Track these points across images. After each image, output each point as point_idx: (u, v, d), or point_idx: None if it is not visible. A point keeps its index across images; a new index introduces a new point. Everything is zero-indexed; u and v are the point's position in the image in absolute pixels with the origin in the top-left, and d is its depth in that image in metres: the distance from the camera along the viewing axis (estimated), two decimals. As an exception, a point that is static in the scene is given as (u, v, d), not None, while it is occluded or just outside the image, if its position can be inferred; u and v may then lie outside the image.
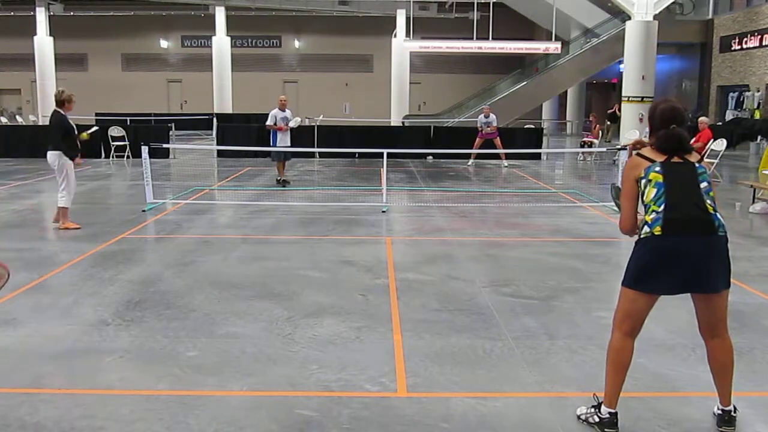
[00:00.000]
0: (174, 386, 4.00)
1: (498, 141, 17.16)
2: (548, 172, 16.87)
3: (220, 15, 32.28)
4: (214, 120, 26.42)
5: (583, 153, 19.31)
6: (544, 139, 21.15)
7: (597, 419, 3.45)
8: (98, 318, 5.19)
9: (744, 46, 24.75)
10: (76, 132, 8.82)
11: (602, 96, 36.00)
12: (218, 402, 3.80)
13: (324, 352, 4.51)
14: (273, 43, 38.72)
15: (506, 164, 17.20)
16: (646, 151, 3.38)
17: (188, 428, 3.48)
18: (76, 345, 4.62)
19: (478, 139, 17.24)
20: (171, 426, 3.50)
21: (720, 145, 14.12)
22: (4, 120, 31.02)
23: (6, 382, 4.01)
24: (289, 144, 13.05)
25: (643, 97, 19.82)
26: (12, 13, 34.50)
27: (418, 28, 30.23)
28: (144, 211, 9.99)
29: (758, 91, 23.56)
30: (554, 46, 25.11)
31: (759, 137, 20.83)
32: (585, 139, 20.57)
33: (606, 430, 3.41)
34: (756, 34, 23.97)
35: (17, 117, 34.87)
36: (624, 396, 3.45)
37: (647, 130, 3.57)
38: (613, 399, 3.41)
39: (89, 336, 4.81)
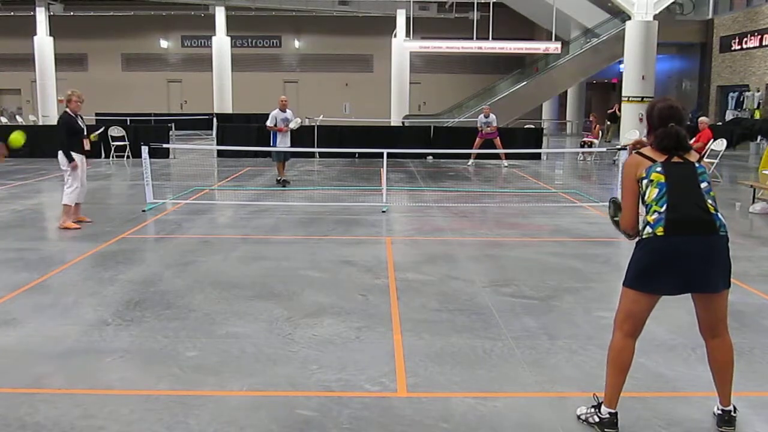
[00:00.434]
0: (174, 386, 4.00)
1: (498, 141, 17.16)
2: (548, 172, 16.87)
3: (220, 15, 32.29)
4: (214, 120, 26.42)
5: (583, 153, 19.31)
6: (544, 139, 21.15)
7: (597, 419, 3.45)
8: (98, 318, 5.19)
9: (744, 46, 24.76)
10: (84, 133, 8.85)
11: (602, 96, 36.00)
12: (218, 402, 3.80)
13: (324, 352, 4.51)
14: (273, 43, 38.73)
15: (506, 164, 17.20)
16: (647, 151, 3.38)
17: (188, 428, 3.48)
18: (76, 345, 4.62)
19: (478, 139, 17.24)
20: (171, 426, 3.50)
21: (720, 145, 14.12)
22: (4, 120, 31.02)
23: (6, 382, 4.01)
24: (289, 144, 13.04)
25: (643, 97, 19.82)
26: (12, 13, 34.51)
27: (418, 28, 30.24)
28: (144, 211, 9.99)
29: (758, 91, 23.56)
30: (554, 46, 25.11)
31: (759, 137, 20.82)
32: (585, 139, 20.57)
33: (606, 430, 3.41)
34: (756, 34, 23.97)
35: (17, 117, 34.88)
36: (624, 396, 3.45)
37: (647, 129, 3.57)
38: (614, 399, 3.41)
39: (89, 336, 4.81)
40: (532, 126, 22.71)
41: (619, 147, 12.99)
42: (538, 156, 19.12)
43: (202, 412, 3.66)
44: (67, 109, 8.76)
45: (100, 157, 17.66)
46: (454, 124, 25.89)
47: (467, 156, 17.79)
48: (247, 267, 6.84)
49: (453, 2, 31.48)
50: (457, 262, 7.13)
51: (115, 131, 17.78)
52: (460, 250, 7.65)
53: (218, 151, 18.38)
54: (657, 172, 3.29)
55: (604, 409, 3.43)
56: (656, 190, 3.28)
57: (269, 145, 13.31)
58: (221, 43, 32.45)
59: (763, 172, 11.44)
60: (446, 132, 20.90)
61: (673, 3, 22.41)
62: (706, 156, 13.92)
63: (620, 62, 23.54)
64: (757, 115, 22.90)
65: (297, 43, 38.71)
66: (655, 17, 19.89)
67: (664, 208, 3.24)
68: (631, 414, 3.59)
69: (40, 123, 27.63)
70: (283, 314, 5.30)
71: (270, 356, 4.44)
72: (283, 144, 12.91)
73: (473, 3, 27.49)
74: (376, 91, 34.83)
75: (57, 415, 3.59)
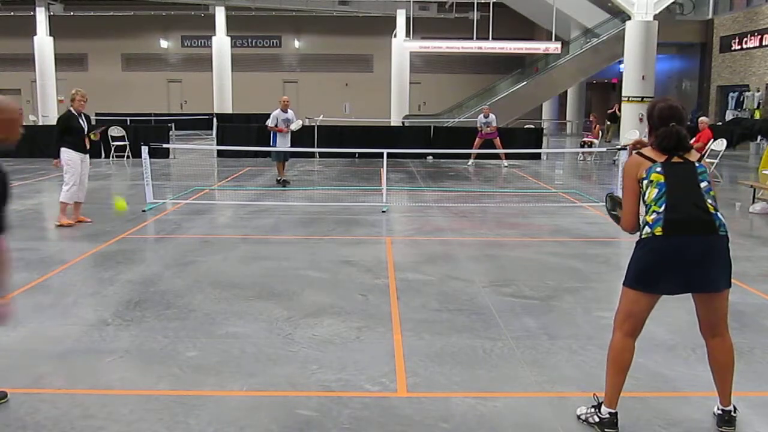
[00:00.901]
0: (174, 386, 4.00)
1: (497, 141, 17.16)
2: (548, 172, 16.87)
3: (220, 15, 32.29)
4: (214, 120, 26.42)
5: (583, 153, 19.31)
6: (544, 139, 21.15)
7: (597, 419, 3.45)
8: (98, 318, 5.19)
9: (744, 46, 24.75)
10: (84, 132, 8.90)
11: (602, 96, 36.00)
12: (218, 402, 3.80)
13: (324, 352, 4.51)
14: (273, 43, 38.72)
15: (506, 164, 17.20)
16: (647, 151, 3.39)
17: (188, 428, 3.48)
18: (76, 345, 4.62)
19: (477, 139, 17.24)
20: (171, 426, 3.50)
21: (720, 145, 14.12)
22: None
23: (6, 382, 4.00)
24: (288, 145, 13.04)
25: (643, 97, 19.82)
26: (12, 13, 34.51)
27: (418, 28, 30.23)
28: (144, 211, 9.99)
29: (758, 91, 23.56)
30: (554, 46, 25.11)
31: (759, 137, 20.82)
32: (585, 139, 20.57)
33: (606, 430, 3.41)
34: (756, 34, 23.97)
35: (17, 117, 34.85)
36: (624, 396, 3.45)
37: (647, 129, 3.58)
38: (614, 399, 3.41)
39: (89, 336, 4.81)
40: (532, 126, 22.70)
41: (619, 147, 12.99)
42: (538, 156, 19.12)
43: (202, 412, 3.66)
44: (71, 108, 8.82)
45: (100, 157, 17.65)
46: (454, 124, 25.89)
47: (467, 156, 17.79)
48: (247, 267, 6.84)
49: (453, 2, 31.47)
50: (457, 262, 7.13)
51: (115, 131, 17.78)
52: (460, 250, 7.65)
53: (218, 151, 18.38)
54: (657, 172, 3.30)
55: (604, 409, 3.43)
56: (655, 191, 3.28)
57: (269, 145, 13.31)
58: (221, 43, 32.45)
59: (763, 172, 11.44)
60: (446, 132, 20.91)
61: (673, 3, 22.42)
62: (706, 156, 13.94)
63: (620, 62, 23.54)
64: (757, 115, 22.90)
65: (297, 43, 38.71)
66: (655, 17, 19.89)
67: (662, 208, 3.25)
68: (631, 414, 3.59)
69: (40, 123, 27.63)
70: (283, 314, 5.30)
71: (270, 356, 4.44)
72: (283, 144, 12.91)
73: (473, 3, 27.48)
74: (376, 91, 34.83)
75: (57, 415, 3.59)
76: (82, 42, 36.85)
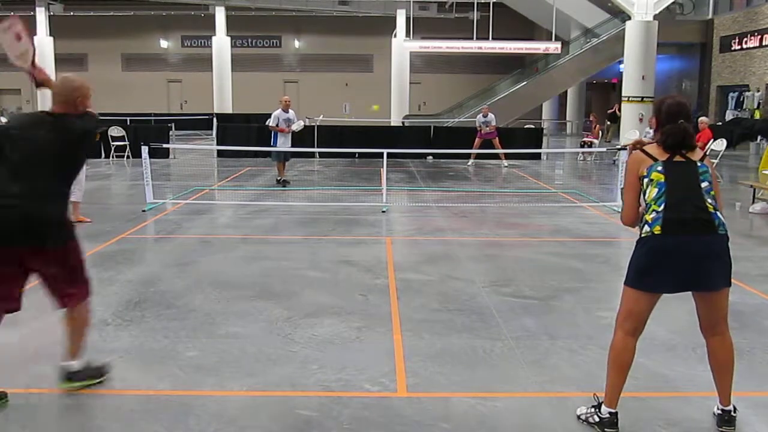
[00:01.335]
0: (174, 386, 4.00)
1: (497, 141, 17.17)
2: (548, 172, 16.87)
3: (220, 15, 32.28)
4: (214, 120, 26.42)
5: (583, 153, 19.31)
6: (544, 139, 21.14)
7: (597, 419, 3.45)
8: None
9: (744, 46, 24.75)
10: None
11: (602, 96, 36.00)
12: (218, 402, 3.80)
13: (324, 352, 4.51)
14: (273, 43, 38.71)
15: (506, 164, 17.19)
16: (650, 148, 3.40)
17: (188, 428, 3.48)
18: (76, 345, 4.61)
19: (477, 139, 17.24)
20: (171, 426, 3.50)
21: (720, 145, 14.11)
22: (4, 120, 31.02)
23: (6, 382, 4.00)
24: (289, 145, 13.03)
25: (643, 97, 19.83)
26: (12, 13, 34.28)
27: (418, 28, 30.23)
28: (144, 211, 9.99)
29: (758, 91, 23.56)
30: (554, 46, 25.11)
31: (759, 137, 20.83)
32: (585, 139, 20.57)
33: (606, 430, 3.41)
34: (756, 34, 23.97)
35: (17, 117, 34.86)
36: (624, 396, 3.45)
37: (647, 129, 3.60)
38: (614, 399, 3.42)
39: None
40: (532, 126, 22.70)
41: (619, 147, 12.99)
42: (538, 156, 19.11)
43: (202, 412, 3.66)
44: None
45: (100, 157, 17.65)
46: (454, 124, 25.89)
47: (467, 156, 17.79)
48: (247, 267, 6.84)
49: (453, 2, 31.47)
50: (457, 262, 7.13)
51: (115, 131, 17.77)
52: (460, 250, 7.65)
53: (218, 151, 18.37)
54: (657, 171, 3.32)
55: (604, 409, 3.43)
56: (656, 190, 3.30)
57: (269, 145, 13.30)
58: (221, 43, 32.45)
59: (763, 172, 11.44)
60: (446, 132, 20.91)
61: (673, 3, 22.42)
62: (706, 156, 13.91)
63: (620, 62, 23.54)
64: (757, 115, 22.90)
65: (297, 43, 38.71)
66: (655, 17, 19.89)
67: (662, 207, 3.27)
68: (631, 414, 3.59)
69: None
70: (283, 314, 5.30)
71: (270, 356, 4.44)
72: (283, 144, 12.89)
73: (473, 3, 27.48)
74: (376, 91, 34.82)
75: (57, 415, 3.59)
76: (82, 42, 36.83)
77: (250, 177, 14.73)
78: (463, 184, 14.16)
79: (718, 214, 3.28)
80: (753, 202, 10.58)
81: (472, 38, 26.47)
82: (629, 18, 20.14)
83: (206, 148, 19.86)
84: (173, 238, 8.25)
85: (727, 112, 24.81)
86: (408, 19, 28.62)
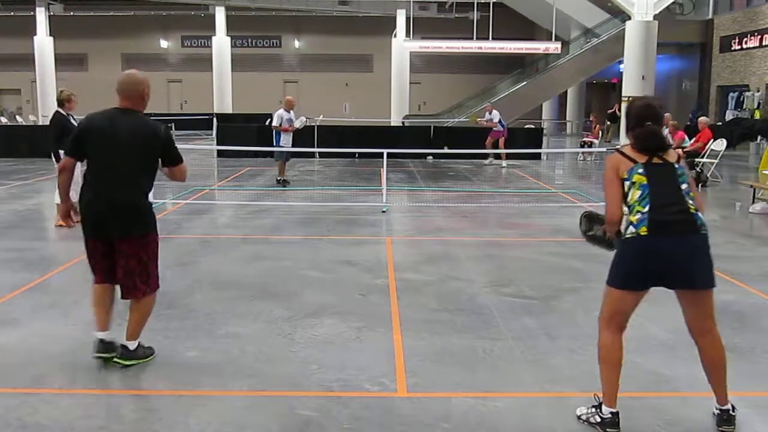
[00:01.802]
0: (174, 386, 4.00)
1: (502, 141, 17.28)
2: (548, 172, 16.88)
3: (220, 15, 32.28)
4: (214, 120, 26.41)
5: (583, 153, 19.31)
6: (544, 139, 21.15)
7: (599, 419, 3.45)
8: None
9: (744, 46, 24.76)
10: None
11: (602, 96, 36.00)
12: (218, 402, 3.80)
13: (324, 352, 4.51)
14: (273, 43, 38.71)
15: (504, 164, 17.20)
16: (628, 150, 3.46)
17: (188, 428, 3.48)
18: (76, 345, 4.61)
19: (489, 138, 17.37)
20: (171, 426, 3.50)
21: (720, 145, 14.10)
22: (4, 120, 31.03)
23: (6, 382, 4.01)
24: (290, 144, 13.00)
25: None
26: (12, 13, 34.50)
27: (418, 28, 30.22)
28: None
29: (758, 91, 23.57)
30: (554, 46, 25.11)
31: (759, 137, 20.83)
32: (585, 139, 20.58)
33: (608, 430, 3.41)
34: (756, 34, 23.98)
35: (17, 117, 34.87)
36: (624, 396, 3.45)
37: (626, 128, 3.60)
38: (612, 398, 3.43)
39: (89, 336, 4.80)
40: (532, 126, 22.70)
41: (618, 147, 12.98)
42: (538, 156, 19.11)
43: (202, 412, 3.66)
44: (60, 110, 8.68)
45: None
46: (454, 124, 25.90)
47: (467, 156, 17.79)
48: (247, 267, 6.84)
49: (453, 2, 31.47)
50: (457, 262, 7.13)
51: (115, 131, 17.73)
52: (460, 250, 7.64)
53: (218, 151, 18.37)
54: (639, 173, 3.37)
55: (605, 409, 3.43)
56: (639, 192, 3.36)
57: (270, 145, 13.28)
58: (221, 43, 32.44)
59: (763, 172, 11.43)
60: (446, 132, 20.91)
61: (673, 3, 22.41)
62: (706, 156, 13.93)
63: (620, 62, 23.54)
64: (757, 115, 22.91)
65: (297, 43, 38.70)
66: (655, 17, 19.89)
67: (647, 208, 3.32)
68: (631, 414, 3.59)
69: (40, 123, 27.62)
70: (283, 314, 5.30)
71: (270, 356, 4.44)
72: (286, 144, 12.85)
73: (473, 3, 27.48)
74: (376, 91, 34.80)
75: (57, 415, 3.59)
76: (82, 42, 36.83)
77: (250, 177, 14.73)
78: (463, 184, 14.16)
79: (699, 214, 3.36)
80: (753, 202, 10.58)
81: (472, 38, 26.47)
82: (629, 18, 20.14)
83: (206, 148, 19.85)
84: (173, 238, 8.24)
85: (727, 112, 24.82)
86: (408, 19, 28.61)
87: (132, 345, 4.26)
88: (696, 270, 3.33)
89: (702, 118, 15.80)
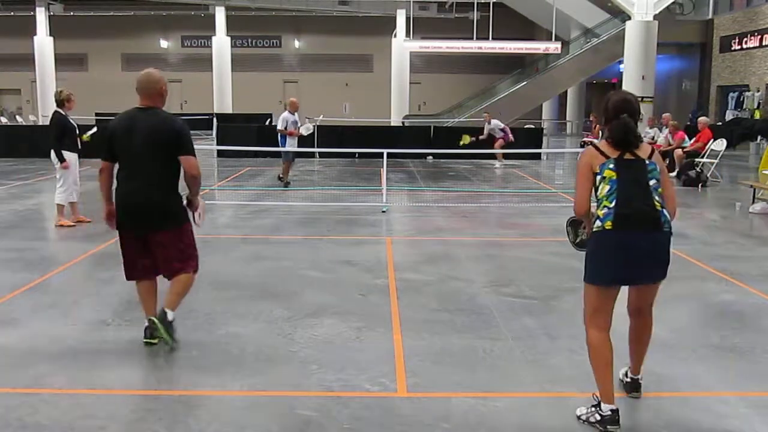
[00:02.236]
0: (174, 386, 4.00)
1: (500, 141, 17.23)
2: (548, 172, 16.87)
3: (220, 15, 32.28)
4: (214, 120, 26.41)
5: (583, 153, 19.27)
6: (544, 139, 21.14)
7: (598, 417, 3.45)
8: (98, 318, 5.19)
9: (744, 46, 24.76)
10: (77, 132, 8.86)
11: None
12: (218, 402, 3.80)
13: (324, 352, 4.51)
14: (273, 43, 38.71)
15: (498, 165, 17.17)
16: (602, 145, 3.58)
17: (188, 428, 3.48)
18: (76, 345, 4.62)
19: (496, 144, 17.24)
20: (171, 426, 3.50)
21: (720, 145, 14.11)
22: (4, 120, 31.05)
23: (6, 382, 4.01)
24: (296, 146, 12.93)
25: (643, 97, 19.79)
26: (12, 13, 34.50)
27: (418, 28, 30.23)
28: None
29: (758, 91, 23.56)
30: (554, 46, 25.11)
31: (759, 137, 20.83)
32: (585, 139, 20.56)
33: (608, 427, 3.41)
34: (756, 34, 23.98)
35: (17, 117, 34.88)
36: (623, 396, 3.45)
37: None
38: (610, 395, 3.45)
39: (89, 336, 4.81)
40: (532, 126, 22.70)
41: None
42: (538, 156, 19.11)
43: (202, 412, 3.66)
44: (60, 110, 8.69)
45: (99, 156, 17.63)
46: (454, 124, 25.89)
47: (467, 156, 17.76)
48: (247, 267, 6.84)
49: (453, 2, 31.47)
50: (457, 262, 7.13)
51: (115, 131, 17.74)
52: (460, 250, 7.64)
53: (218, 151, 18.36)
54: (610, 169, 3.47)
55: (604, 407, 3.44)
56: (608, 187, 3.46)
57: (272, 145, 13.19)
58: (221, 43, 32.44)
59: (763, 172, 11.43)
60: (446, 132, 20.90)
61: (673, 3, 22.43)
62: (706, 156, 13.93)
63: (620, 62, 23.55)
64: (757, 115, 22.90)
65: (297, 43, 38.70)
66: (655, 17, 19.90)
67: (613, 203, 3.42)
68: (631, 414, 3.59)
69: (40, 123, 27.63)
70: (283, 314, 5.30)
71: (270, 356, 4.44)
72: (291, 146, 12.78)
73: (473, 3, 27.48)
74: (376, 91, 34.80)
75: (57, 415, 3.59)
76: (82, 42, 36.84)
77: (250, 177, 14.73)
78: (463, 184, 14.16)
79: (665, 211, 3.44)
80: (753, 202, 10.58)
81: (472, 38, 26.47)
82: (629, 18, 20.15)
83: (206, 148, 19.83)
84: (173, 238, 8.24)
85: (727, 112, 24.82)
86: (408, 19, 28.61)
87: (170, 315, 4.49)
88: (653, 265, 3.47)
89: (702, 118, 15.81)
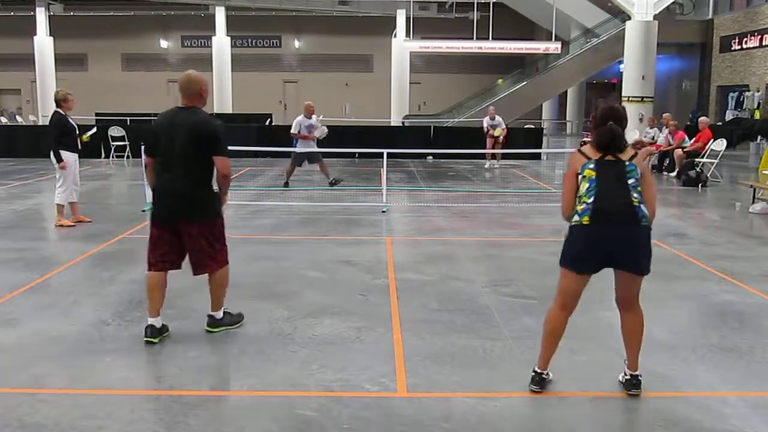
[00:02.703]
0: (174, 386, 4.00)
1: (500, 141, 17.19)
2: (548, 172, 16.87)
3: (220, 15, 32.26)
4: (214, 120, 26.37)
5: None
6: (544, 139, 21.13)
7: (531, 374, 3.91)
8: (98, 318, 5.19)
9: (744, 46, 24.76)
10: (77, 132, 8.86)
11: (602, 96, 35.98)
12: (218, 402, 3.80)
13: (324, 352, 4.51)
14: (273, 43, 38.70)
15: (494, 164, 17.14)
16: (586, 149, 3.81)
17: (188, 428, 3.48)
18: (76, 345, 4.62)
19: (489, 139, 17.01)
20: (171, 426, 3.50)
21: (720, 145, 14.11)
22: (4, 120, 31.03)
23: (6, 382, 4.01)
24: (313, 148, 12.81)
25: (643, 98, 19.82)
26: (12, 13, 34.48)
27: (418, 28, 30.21)
28: (144, 211, 9.97)
29: (758, 91, 23.56)
30: (554, 46, 25.09)
31: (759, 137, 20.83)
32: (585, 139, 20.55)
33: (532, 386, 3.87)
34: (756, 34, 23.98)
35: (17, 117, 34.87)
36: (623, 396, 3.45)
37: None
38: (545, 361, 3.91)
39: (89, 336, 4.81)
40: (532, 126, 22.69)
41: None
42: (538, 156, 19.10)
43: (202, 412, 3.66)
44: (59, 110, 8.69)
45: (99, 157, 17.67)
46: (454, 124, 25.89)
47: (467, 156, 17.76)
48: (247, 267, 6.83)
49: (453, 2, 31.46)
50: (457, 262, 7.13)
51: (115, 131, 17.78)
52: (460, 250, 7.64)
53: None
54: (590, 168, 3.72)
55: (535, 369, 3.89)
56: (587, 185, 3.71)
57: (270, 146, 13.12)
58: (221, 43, 32.42)
59: (763, 172, 11.43)
60: (446, 132, 20.90)
61: (673, 3, 22.41)
62: (706, 156, 13.93)
63: (620, 62, 23.54)
64: (757, 115, 22.91)
65: (297, 43, 38.69)
66: (655, 17, 19.89)
67: (591, 200, 3.67)
68: (631, 414, 3.59)
69: (40, 123, 27.62)
70: (283, 314, 5.30)
71: (270, 356, 4.44)
72: (304, 148, 12.66)
73: (473, 3, 27.47)
74: (376, 91, 34.79)
75: (57, 415, 3.59)
76: (82, 42, 36.82)
77: (250, 177, 14.73)
78: (463, 184, 14.16)
79: (642, 207, 3.65)
80: (753, 202, 10.57)
81: (472, 38, 26.45)
82: (629, 18, 20.14)
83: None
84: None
85: (727, 112, 24.82)
86: (408, 19, 28.59)
87: (218, 315, 4.85)
88: (632, 256, 3.68)
89: (702, 118, 15.81)
